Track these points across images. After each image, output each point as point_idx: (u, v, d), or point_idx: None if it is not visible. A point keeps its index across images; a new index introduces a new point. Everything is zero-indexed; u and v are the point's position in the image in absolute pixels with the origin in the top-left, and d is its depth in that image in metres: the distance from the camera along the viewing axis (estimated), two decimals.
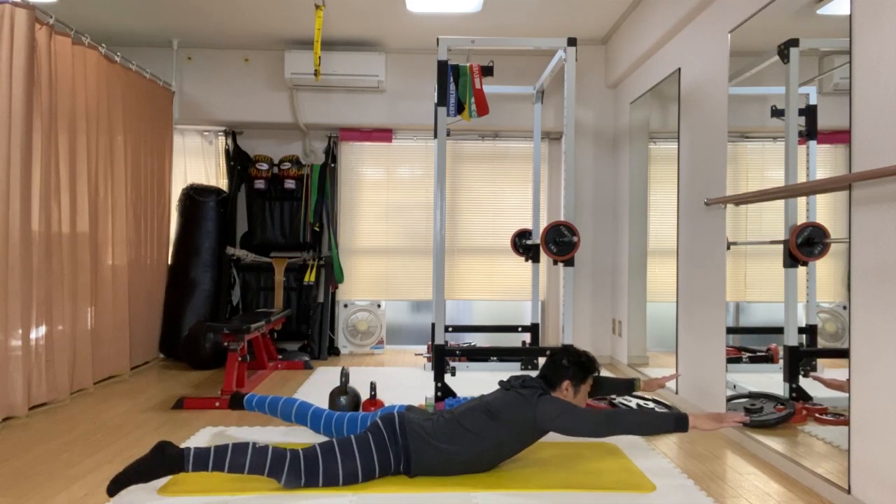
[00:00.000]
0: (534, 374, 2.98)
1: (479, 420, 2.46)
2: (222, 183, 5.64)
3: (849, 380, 2.28)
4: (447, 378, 4.43)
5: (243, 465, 2.27)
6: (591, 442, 2.98)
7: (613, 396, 3.63)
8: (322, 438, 2.92)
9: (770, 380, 2.85)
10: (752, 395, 3.01)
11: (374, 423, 2.47)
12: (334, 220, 5.53)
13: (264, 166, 5.38)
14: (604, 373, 3.03)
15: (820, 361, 2.57)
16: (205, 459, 2.26)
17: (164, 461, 2.23)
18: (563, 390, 2.60)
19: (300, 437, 3.01)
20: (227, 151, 5.58)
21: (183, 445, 2.87)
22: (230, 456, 2.27)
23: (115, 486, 2.19)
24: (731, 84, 3.21)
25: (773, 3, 2.82)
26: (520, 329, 5.04)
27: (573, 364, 2.63)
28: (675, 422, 2.35)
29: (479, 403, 2.53)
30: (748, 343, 3.12)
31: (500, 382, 2.66)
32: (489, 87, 4.95)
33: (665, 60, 4.14)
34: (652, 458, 2.80)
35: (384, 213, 5.63)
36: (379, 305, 5.53)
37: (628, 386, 3.03)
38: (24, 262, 3.32)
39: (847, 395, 2.28)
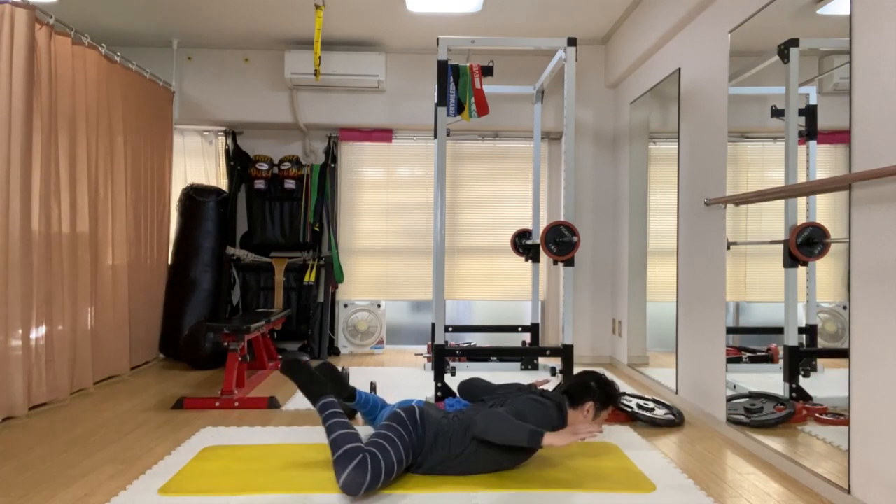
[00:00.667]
0: (537, 376, 3.00)
1: None
2: (222, 183, 5.64)
3: (849, 380, 2.28)
4: (447, 378, 4.43)
5: (333, 431, 2.42)
6: (591, 442, 2.98)
7: None
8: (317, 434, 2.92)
9: (770, 380, 2.85)
10: (752, 395, 3.01)
11: (395, 414, 2.49)
12: (334, 220, 5.53)
13: (264, 166, 5.38)
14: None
15: (820, 361, 2.57)
16: (325, 410, 2.54)
17: (316, 389, 2.65)
18: (585, 411, 2.64)
19: (300, 437, 3.02)
20: (227, 151, 5.58)
21: (189, 441, 2.87)
22: (334, 422, 2.46)
23: (287, 362, 2.75)
24: (731, 84, 3.21)
25: (773, 3, 2.82)
26: (520, 329, 5.04)
27: (601, 388, 2.67)
28: (528, 436, 2.32)
29: (491, 407, 2.57)
30: (748, 343, 3.12)
31: (520, 386, 2.74)
32: (489, 87, 4.95)
33: (665, 60, 4.14)
34: (652, 458, 2.80)
35: (384, 213, 5.63)
36: (379, 305, 5.53)
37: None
38: (24, 262, 3.32)
39: (847, 394, 2.28)
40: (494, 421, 2.36)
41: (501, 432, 2.34)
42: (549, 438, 2.30)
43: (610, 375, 4.66)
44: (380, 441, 2.37)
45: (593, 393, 2.64)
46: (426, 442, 2.46)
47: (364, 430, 3.10)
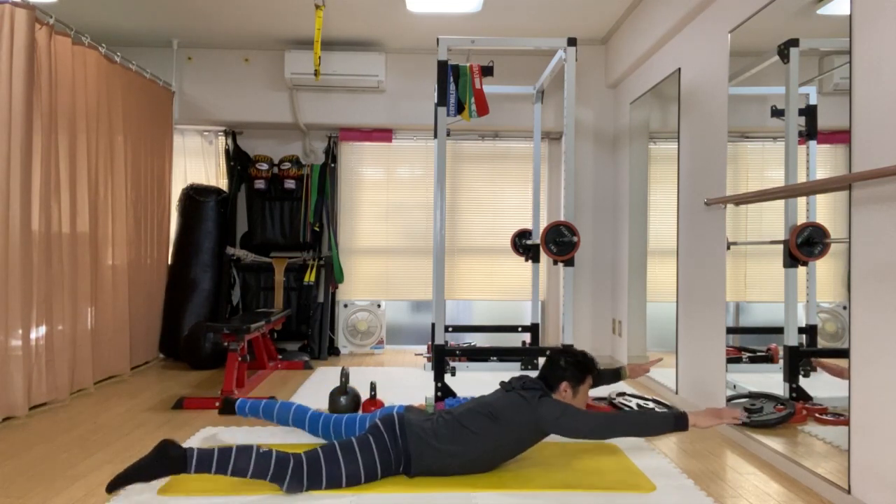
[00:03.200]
0: (534, 374, 2.98)
1: (480, 421, 2.46)
2: (222, 183, 5.64)
3: (849, 380, 2.28)
4: (447, 378, 4.43)
5: (246, 469, 2.24)
6: (591, 441, 2.97)
7: (613, 396, 3.63)
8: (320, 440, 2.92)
9: (770, 380, 2.85)
10: (752, 395, 3.01)
11: (373, 425, 2.47)
12: (334, 220, 5.53)
13: (264, 166, 5.38)
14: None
15: (820, 361, 2.57)
16: (208, 462, 2.24)
17: (166, 461, 2.21)
18: (562, 391, 2.61)
19: (302, 436, 3.01)
20: (227, 151, 5.58)
21: (185, 445, 2.87)
22: (234, 460, 2.24)
23: (114, 485, 2.18)
24: (731, 84, 3.21)
25: (773, 3, 2.82)
26: (520, 329, 5.04)
27: (570, 365, 2.63)
28: (674, 421, 2.37)
29: (479, 404, 2.53)
30: (748, 343, 3.12)
31: (501, 383, 2.66)
32: (489, 87, 4.95)
33: (665, 60, 4.14)
34: (652, 458, 2.80)
35: (384, 213, 5.64)
36: (379, 305, 5.53)
37: (615, 375, 3.11)
38: (24, 262, 3.32)
39: (847, 394, 2.28)
40: (634, 419, 2.39)
41: (648, 430, 2.40)
42: (694, 419, 2.39)
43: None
44: (335, 449, 2.34)
45: (564, 371, 2.62)
46: (412, 450, 2.41)
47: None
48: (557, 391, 2.61)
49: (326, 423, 2.83)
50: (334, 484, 2.32)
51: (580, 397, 2.64)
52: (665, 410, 2.40)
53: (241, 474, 2.25)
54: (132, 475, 2.19)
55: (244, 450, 2.28)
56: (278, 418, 2.97)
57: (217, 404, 3.55)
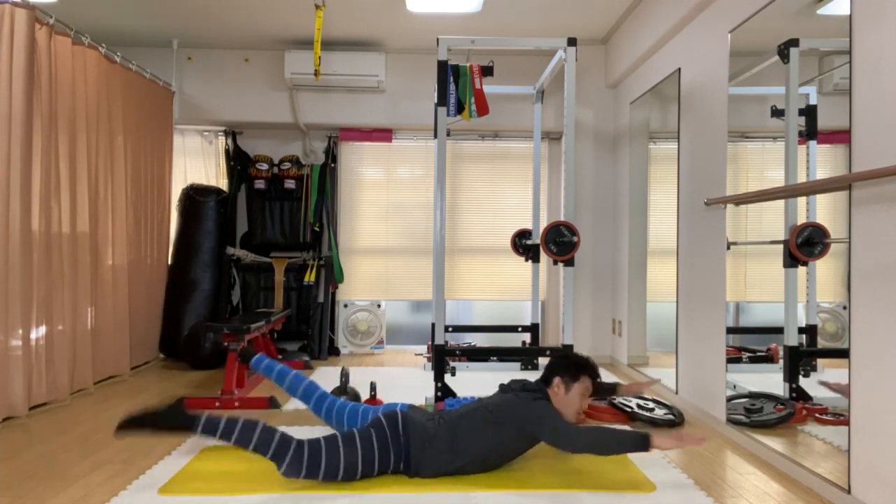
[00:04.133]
0: (535, 375, 2.98)
1: (477, 424, 2.48)
2: (222, 183, 5.64)
3: (849, 380, 2.28)
4: (447, 378, 4.43)
5: (250, 440, 2.30)
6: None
7: (613, 397, 3.63)
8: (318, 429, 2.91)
9: (770, 380, 2.85)
10: (752, 395, 3.01)
11: (376, 419, 2.47)
12: (334, 220, 5.53)
13: (264, 166, 5.38)
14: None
15: (820, 361, 2.57)
16: (215, 427, 2.32)
17: (178, 416, 2.31)
18: (555, 387, 2.64)
19: (300, 437, 3.01)
20: (227, 151, 5.58)
21: (185, 441, 2.87)
22: (239, 429, 2.32)
23: (125, 426, 2.28)
24: (731, 84, 3.21)
25: (773, 3, 2.82)
26: (520, 329, 5.04)
27: (565, 361, 2.70)
28: (640, 442, 2.36)
29: (476, 408, 2.55)
30: (748, 343, 3.12)
31: (501, 385, 2.68)
32: (489, 87, 4.95)
33: (665, 60, 4.14)
34: (652, 458, 2.80)
35: (384, 213, 5.63)
36: (379, 305, 5.53)
37: (610, 389, 3.24)
38: (24, 262, 3.32)
39: (847, 397, 2.28)
40: (603, 438, 2.37)
41: (614, 450, 2.37)
42: (656, 441, 2.35)
43: (610, 375, 4.65)
44: (337, 440, 2.36)
45: (557, 368, 2.67)
46: (413, 449, 2.43)
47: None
48: (551, 386, 2.65)
49: (331, 407, 2.89)
50: (331, 475, 2.33)
51: (573, 397, 2.64)
52: (632, 430, 2.42)
53: (244, 444, 2.31)
54: (143, 419, 2.29)
55: (251, 423, 2.34)
56: (288, 387, 3.00)
57: (217, 404, 3.55)
